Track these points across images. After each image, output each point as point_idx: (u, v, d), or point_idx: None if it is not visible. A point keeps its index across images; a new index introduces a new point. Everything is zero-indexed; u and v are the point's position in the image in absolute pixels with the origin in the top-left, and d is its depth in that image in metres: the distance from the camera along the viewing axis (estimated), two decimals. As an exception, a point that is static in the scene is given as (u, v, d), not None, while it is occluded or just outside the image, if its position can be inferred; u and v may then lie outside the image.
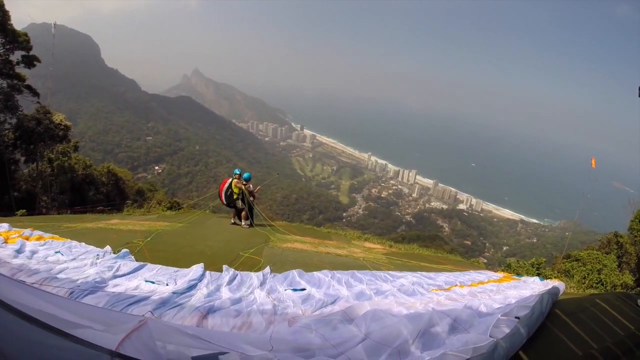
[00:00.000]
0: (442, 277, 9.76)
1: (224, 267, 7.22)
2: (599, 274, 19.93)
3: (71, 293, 5.23)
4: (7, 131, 34.43)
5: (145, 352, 2.06)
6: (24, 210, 26.25)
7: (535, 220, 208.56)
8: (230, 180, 16.68)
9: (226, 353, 2.49)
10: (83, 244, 9.41)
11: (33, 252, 8.11)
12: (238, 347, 2.92)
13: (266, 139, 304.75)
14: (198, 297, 5.50)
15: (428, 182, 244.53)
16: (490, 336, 3.87)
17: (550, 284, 10.24)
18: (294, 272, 7.30)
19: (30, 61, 34.81)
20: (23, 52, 34.49)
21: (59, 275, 6.27)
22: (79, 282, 5.82)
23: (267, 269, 7.53)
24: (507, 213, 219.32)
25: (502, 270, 18.28)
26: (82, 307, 3.19)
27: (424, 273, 10.18)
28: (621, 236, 26.16)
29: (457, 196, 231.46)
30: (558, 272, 20.73)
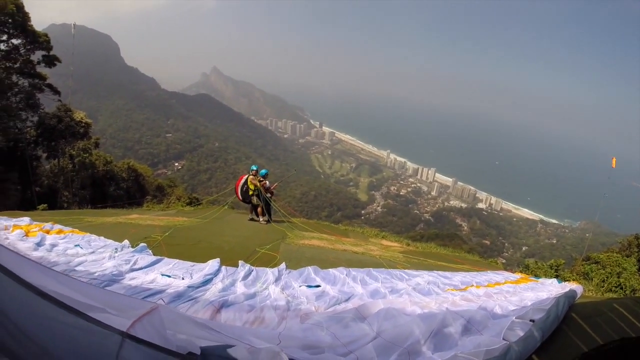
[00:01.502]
0: (459, 277, 9.66)
1: (240, 262, 7.27)
2: (618, 277, 19.52)
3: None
4: (29, 129, 35.21)
5: (156, 336, 2.09)
6: (45, 205, 26.77)
7: (555, 221, 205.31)
8: (247, 176, 16.78)
9: (234, 346, 2.50)
10: (102, 237, 9.58)
11: (53, 245, 8.28)
12: (246, 340, 2.94)
13: (285, 136, 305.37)
14: (213, 291, 5.54)
15: (447, 180, 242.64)
16: (503, 339, 3.82)
17: (568, 286, 10.06)
18: (310, 269, 7.30)
19: (50, 61, 35.53)
20: (44, 52, 35.25)
21: (77, 268, 6.39)
22: (96, 274, 5.91)
23: (283, 265, 7.56)
24: (527, 213, 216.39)
25: (520, 272, 18.01)
26: (97, 292, 3.23)
27: (440, 272, 10.09)
28: (642, 238, 25.57)
29: (477, 195, 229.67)
30: (577, 275, 20.39)
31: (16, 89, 34.08)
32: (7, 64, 33.41)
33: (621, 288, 18.43)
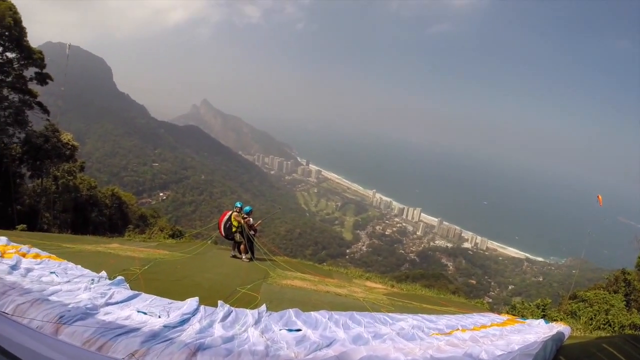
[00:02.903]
0: (444, 320, 9.52)
1: (219, 302, 7.07)
2: (606, 314, 19.46)
3: (61, 317, 5.10)
4: (15, 145, 34.77)
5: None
6: (25, 225, 26.35)
7: (541, 259, 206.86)
8: (231, 212, 16.59)
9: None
10: (79, 266, 9.37)
11: (28, 270, 8.09)
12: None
13: (272, 172, 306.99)
14: (189, 332, 5.37)
15: (433, 220, 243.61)
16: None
17: (556, 328, 9.98)
18: (291, 312, 7.13)
19: (43, 78, 35.38)
20: (37, 69, 35.10)
21: (50, 297, 6.19)
22: (70, 306, 5.70)
23: (263, 307, 7.37)
24: (512, 251, 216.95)
25: (507, 312, 17.89)
26: (63, 346, 3.07)
27: (425, 316, 9.93)
28: (629, 273, 25.64)
29: (462, 234, 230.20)
30: (564, 314, 20.30)
31: (6, 103, 33.75)
32: None
33: (610, 325, 18.35)
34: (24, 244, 10.57)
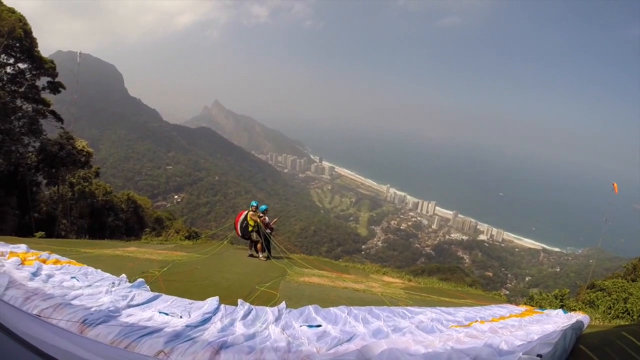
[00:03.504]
0: (462, 313, 9.49)
1: (239, 301, 7.12)
2: (625, 303, 19.30)
3: (84, 321, 5.19)
4: (30, 154, 35.22)
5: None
6: (43, 233, 26.69)
7: (557, 249, 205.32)
8: (247, 212, 16.68)
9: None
10: (99, 270, 9.48)
11: (49, 276, 8.15)
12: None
13: (285, 170, 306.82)
14: (211, 331, 5.41)
15: (448, 213, 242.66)
16: (511, 377, 3.71)
17: (574, 317, 9.92)
18: (310, 308, 7.14)
19: (55, 87, 35.94)
20: (49, 79, 35.62)
21: (73, 302, 6.25)
22: (92, 309, 5.79)
23: (283, 304, 7.39)
24: (529, 242, 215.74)
25: (524, 304, 17.79)
26: (91, 344, 3.13)
27: (443, 308, 9.91)
28: (646, 261, 25.42)
29: (478, 227, 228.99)
30: (582, 303, 20.15)
31: (20, 114, 34.17)
32: (12, 88, 33.71)
33: (628, 314, 18.17)
34: (44, 251, 10.69)
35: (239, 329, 5.68)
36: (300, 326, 6.20)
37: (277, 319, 6.42)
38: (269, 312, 6.68)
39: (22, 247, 10.60)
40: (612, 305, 19.33)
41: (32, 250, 10.51)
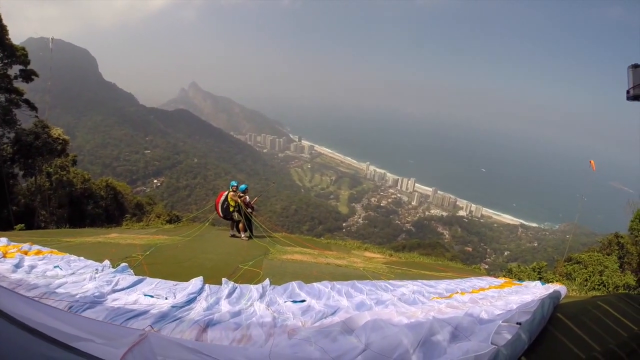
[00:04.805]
0: (443, 285, 9.70)
1: (223, 280, 7.17)
2: (600, 275, 19.88)
3: (70, 307, 5.21)
4: (5, 145, 34.33)
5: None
6: (23, 225, 26.31)
7: (535, 225, 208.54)
8: (227, 193, 16.65)
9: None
10: (82, 258, 9.44)
11: (32, 267, 8.13)
12: (237, 360, 2.90)
13: (264, 150, 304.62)
14: (197, 310, 5.47)
15: (427, 189, 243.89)
16: (491, 343, 3.84)
17: (552, 288, 10.18)
18: (294, 284, 7.24)
19: (28, 75, 34.93)
20: (21, 67, 34.65)
21: (57, 290, 6.25)
22: (77, 296, 5.80)
23: (267, 281, 7.48)
24: (507, 218, 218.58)
25: (504, 276, 18.18)
26: (82, 321, 3.17)
27: (424, 281, 10.12)
28: (622, 237, 26.02)
29: (457, 203, 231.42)
30: (559, 276, 20.69)
31: (-8, 105, 33.22)
32: (-17, 79, 32.72)
33: (604, 286, 18.78)
34: (25, 243, 10.64)
35: (225, 307, 5.75)
36: (285, 302, 6.29)
37: (262, 296, 6.50)
38: (254, 290, 6.76)
39: (2, 241, 10.55)
40: (588, 277, 19.93)
41: (13, 243, 10.44)
